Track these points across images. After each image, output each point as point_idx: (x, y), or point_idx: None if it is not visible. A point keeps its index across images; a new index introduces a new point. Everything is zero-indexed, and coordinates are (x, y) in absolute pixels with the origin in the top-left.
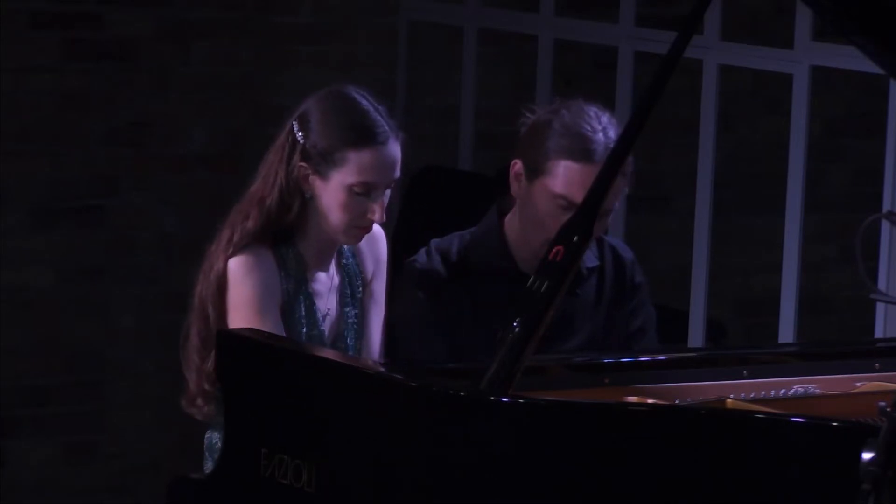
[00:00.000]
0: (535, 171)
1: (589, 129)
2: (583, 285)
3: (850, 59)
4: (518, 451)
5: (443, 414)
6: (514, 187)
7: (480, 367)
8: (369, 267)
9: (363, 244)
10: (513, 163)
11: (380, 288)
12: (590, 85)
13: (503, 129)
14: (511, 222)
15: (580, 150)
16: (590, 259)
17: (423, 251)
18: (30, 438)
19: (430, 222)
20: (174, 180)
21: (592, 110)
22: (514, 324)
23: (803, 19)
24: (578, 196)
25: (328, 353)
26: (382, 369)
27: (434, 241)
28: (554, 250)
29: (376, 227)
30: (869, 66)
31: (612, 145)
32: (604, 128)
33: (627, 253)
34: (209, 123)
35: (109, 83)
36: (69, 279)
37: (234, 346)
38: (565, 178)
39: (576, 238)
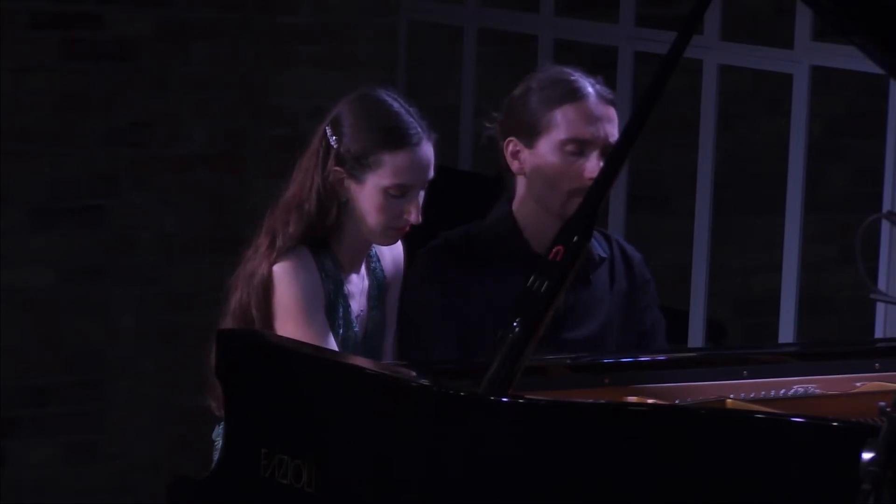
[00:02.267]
0: (533, 134)
1: (567, 75)
2: (595, 273)
3: (850, 59)
4: (518, 451)
5: (443, 414)
6: (515, 166)
7: (480, 367)
8: (389, 271)
9: (385, 249)
10: (505, 144)
11: (395, 294)
12: None
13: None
14: (520, 206)
15: (568, 91)
16: (598, 249)
17: (435, 242)
18: (30, 438)
19: (429, 222)
20: (174, 180)
21: (565, 67)
22: (514, 324)
23: (803, 19)
24: (585, 134)
25: (329, 353)
26: (383, 369)
27: (445, 233)
28: (554, 250)
29: None
30: (869, 66)
31: (595, 85)
32: (580, 73)
33: (635, 253)
34: (209, 123)
35: (109, 83)
36: (69, 279)
37: (234, 345)
38: (566, 122)
39: (576, 238)
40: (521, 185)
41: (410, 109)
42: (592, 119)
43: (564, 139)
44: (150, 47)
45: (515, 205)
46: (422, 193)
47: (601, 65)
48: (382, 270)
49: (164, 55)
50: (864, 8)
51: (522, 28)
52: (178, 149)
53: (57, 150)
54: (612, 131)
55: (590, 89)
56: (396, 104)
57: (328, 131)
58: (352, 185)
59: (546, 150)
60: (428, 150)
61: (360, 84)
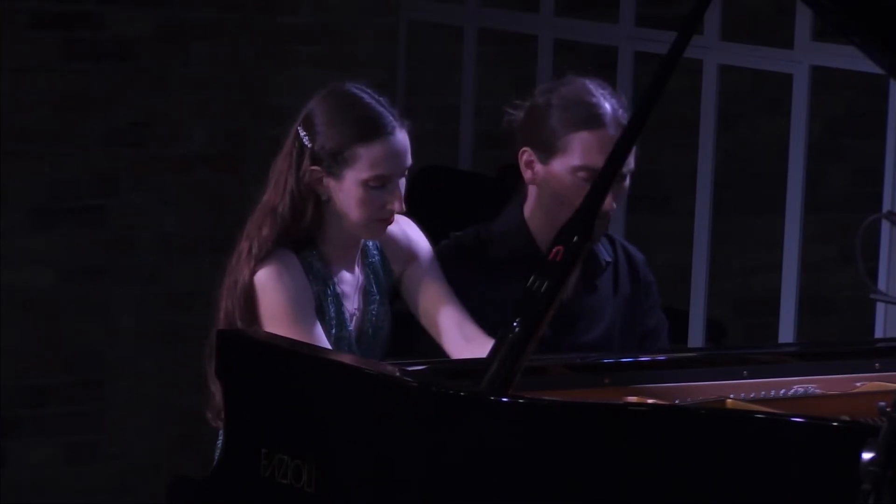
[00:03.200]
0: (549, 151)
1: (591, 96)
2: (600, 278)
3: (850, 59)
4: (518, 450)
5: (443, 414)
6: (528, 175)
7: (480, 367)
8: (401, 255)
9: (392, 237)
10: (521, 152)
11: (426, 264)
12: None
13: (503, 129)
14: (531, 213)
15: (589, 117)
16: (604, 254)
17: (445, 242)
18: (30, 438)
19: (429, 222)
20: (174, 180)
21: (587, 81)
22: (514, 324)
23: (803, 19)
24: (598, 163)
25: (328, 353)
26: (382, 369)
27: (455, 234)
28: (554, 250)
29: (399, 217)
30: (869, 66)
31: (618, 110)
32: (603, 93)
33: (639, 254)
34: (209, 123)
35: (109, 83)
36: (69, 279)
37: (233, 346)
38: (581, 149)
39: (576, 238)
40: (532, 192)
41: (381, 99)
42: (608, 149)
43: (578, 165)
44: (150, 47)
45: (527, 211)
46: (402, 182)
47: (601, 65)
48: (385, 263)
49: (164, 55)
50: (864, 8)
51: (522, 28)
52: (178, 149)
53: (57, 150)
54: (629, 160)
55: (610, 116)
56: (366, 96)
57: (300, 131)
58: (330, 183)
59: (559, 170)
60: (403, 137)
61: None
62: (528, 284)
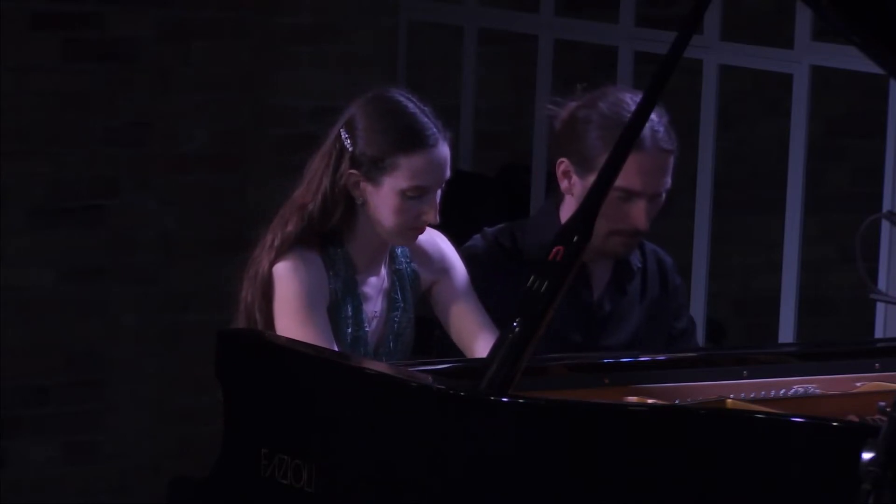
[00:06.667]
0: (586, 167)
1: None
2: (631, 283)
3: (850, 59)
4: (518, 450)
5: (443, 414)
6: (564, 185)
7: (480, 367)
8: (431, 266)
9: (422, 247)
10: (558, 162)
11: (458, 283)
12: (590, 85)
13: (503, 129)
14: (566, 212)
15: None
16: (635, 260)
17: (478, 237)
18: (30, 438)
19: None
20: (174, 180)
21: (628, 96)
22: (514, 324)
23: (803, 19)
24: (638, 185)
25: (329, 353)
26: (383, 369)
27: (488, 229)
28: (554, 250)
29: (430, 230)
30: (869, 66)
31: (658, 130)
32: None
33: (667, 258)
34: (209, 123)
35: (109, 83)
36: (69, 279)
37: (233, 345)
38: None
39: (576, 238)
40: (569, 199)
41: (425, 109)
42: (647, 171)
43: (617, 186)
44: (150, 47)
45: (563, 214)
46: (439, 193)
47: (601, 65)
48: (414, 272)
49: (164, 55)
50: (864, 8)
51: (522, 28)
52: (178, 149)
53: (57, 150)
54: (665, 181)
55: (649, 141)
56: (411, 104)
57: (343, 134)
58: (368, 188)
59: None
60: (444, 150)
61: (362, 84)
62: (528, 284)
